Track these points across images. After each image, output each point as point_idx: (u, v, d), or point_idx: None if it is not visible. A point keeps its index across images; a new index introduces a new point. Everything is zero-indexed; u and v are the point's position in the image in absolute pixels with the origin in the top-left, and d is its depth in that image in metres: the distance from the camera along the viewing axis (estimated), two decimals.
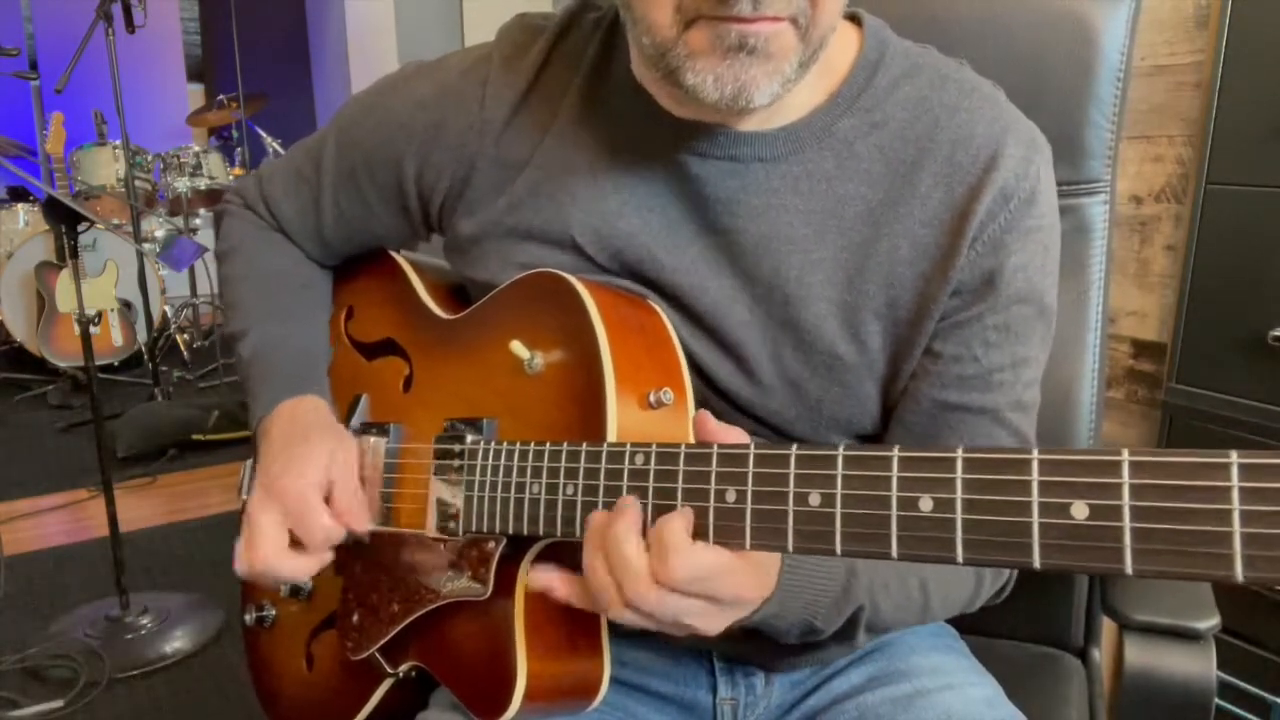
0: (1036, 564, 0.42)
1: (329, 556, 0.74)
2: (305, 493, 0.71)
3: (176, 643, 1.97)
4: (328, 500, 0.73)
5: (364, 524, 0.74)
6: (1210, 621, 0.75)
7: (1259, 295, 1.44)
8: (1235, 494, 0.37)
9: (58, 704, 1.76)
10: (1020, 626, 0.96)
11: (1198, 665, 0.74)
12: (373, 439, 0.79)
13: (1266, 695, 1.47)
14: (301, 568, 0.72)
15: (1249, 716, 1.49)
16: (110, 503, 1.96)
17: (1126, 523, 0.39)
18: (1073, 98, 0.88)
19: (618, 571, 0.55)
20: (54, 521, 2.67)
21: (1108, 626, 0.94)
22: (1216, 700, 0.74)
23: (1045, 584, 0.77)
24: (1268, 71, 1.39)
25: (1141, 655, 0.75)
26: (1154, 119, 1.63)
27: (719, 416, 0.71)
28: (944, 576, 0.70)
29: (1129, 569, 0.39)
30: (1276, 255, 1.42)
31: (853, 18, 0.72)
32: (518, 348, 0.68)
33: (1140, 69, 1.61)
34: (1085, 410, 0.94)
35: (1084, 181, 0.90)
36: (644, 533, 0.56)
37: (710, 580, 0.54)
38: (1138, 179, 1.67)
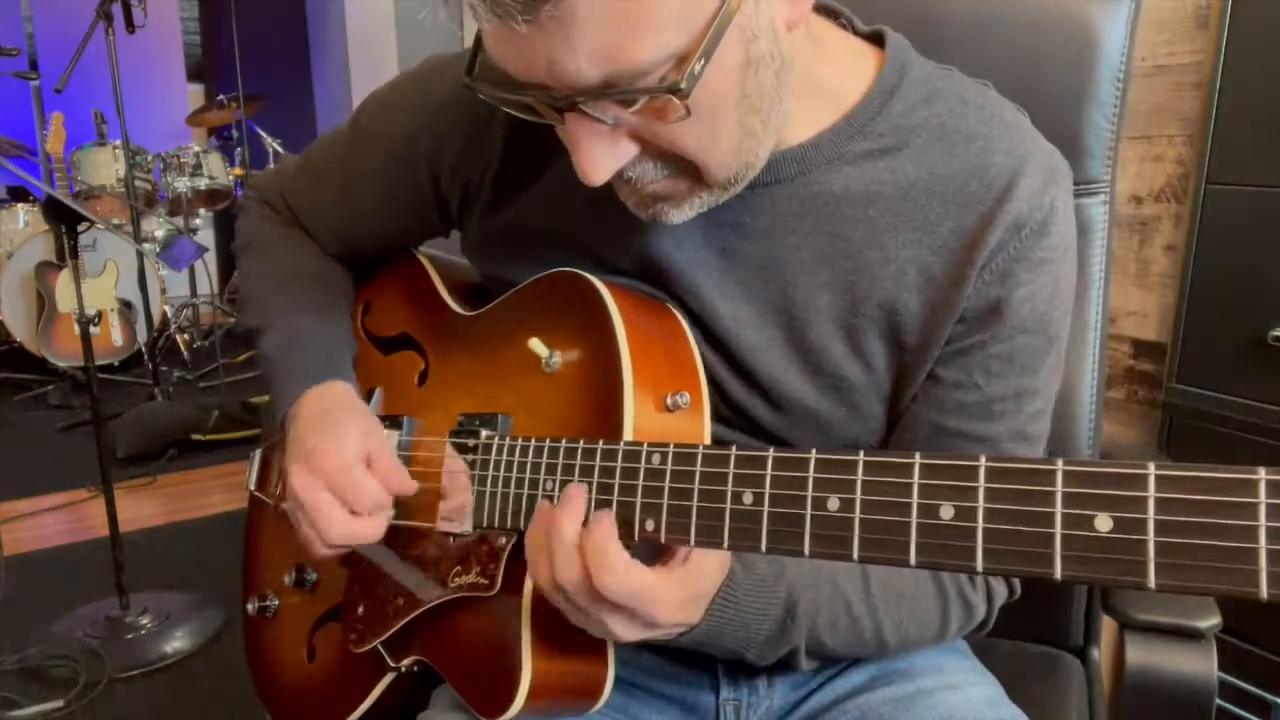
0: (1058, 575, 0.41)
1: (390, 512, 0.73)
2: (346, 460, 0.71)
3: (176, 643, 1.97)
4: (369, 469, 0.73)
5: (409, 486, 0.73)
6: (1211, 621, 0.75)
7: (1259, 295, 1.44)
8: (1262, 510, 0.37)
9: (58, 704, 1.76)
10: (1020, 626, 0.96)
11: (1198, 665, 0.74)
12: (385, 431, 0.79)
13: (1266, 695, 1.47)
14: (372, 528, 0.72)
15: (1249, 716, 1.49)
16: (110, 503, 1.96)
17: (1151, 536, 0.39)
18: (1073, 98, 0.88)
19: (555, 552, 0.58)
20: (54, 521, 2.67)
21: (1108, 626, 0.94)
22: (1217, 700, 0.74)
23: (1045, 583, 0.77)
24: (1268, 71, 1.39)
25: (1142, 655, 0.75)
26: (1154, 119, 1.63)
27: (733, 430, 0.73)
28: (903, 619, 0.70)
29: (1151, 583, 0.39)
30: (1276, 255, 1.41)
31: (877, 38, 0.71)
32: (536, 345, 0.68)
33: (1140, 69, 1.61)
34: (1085, 410, 0.94)
35: (1084, 182, 0.90)
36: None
37: (637, 599, 0.57)
38: (1138, 179, 1.67)
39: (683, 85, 0.52)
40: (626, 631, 0.59)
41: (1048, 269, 0.66)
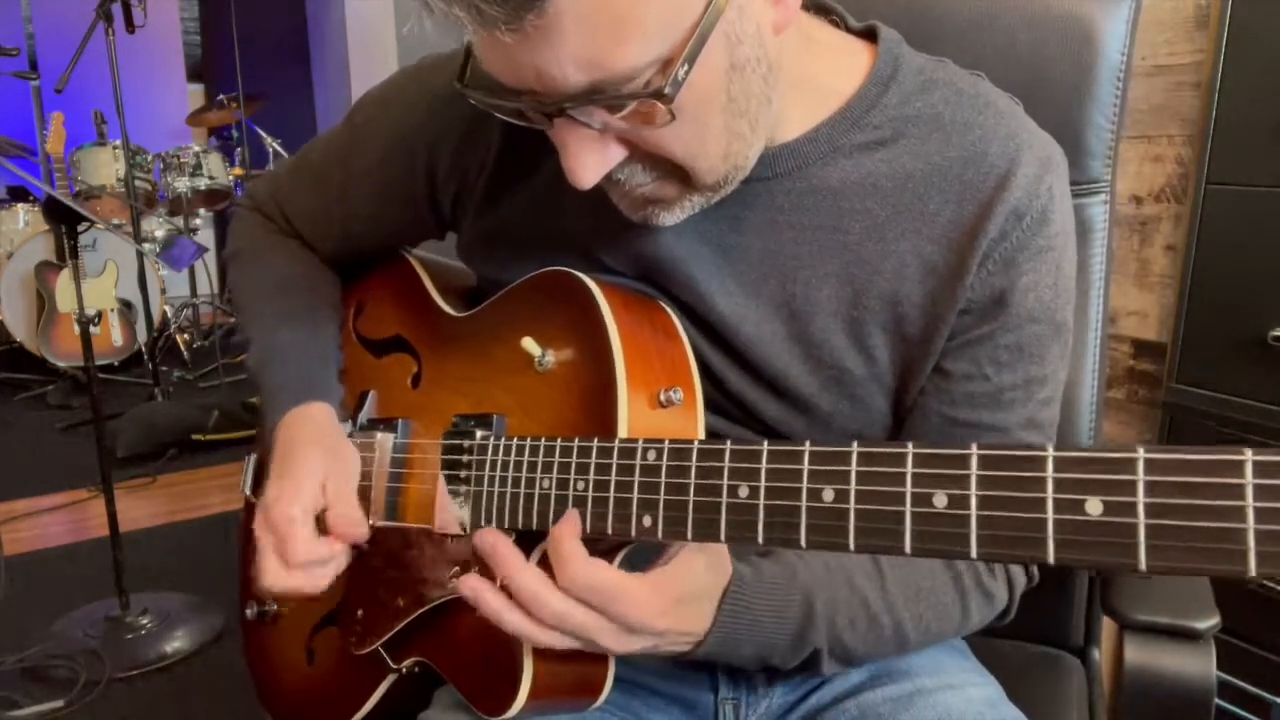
0: (1050, 560, 0.42)
1: (322, 572, 0.73)
2: (290, 512, 0.72)
3: (176, 643, 1.97)
4: (323, 518, 0.74)
5: (358, 534, 0.74)
6: (1210, 621, 0.75)
7: (1259, 295, 1.44)
8: (1249, 490, 0.37)
9: (58, 704, 1.76)
10: (1020, 626, 0.95)
11: (1198, 665, 0.74)
12: (380, 435, 0.79)
13: (1266, 695, 1.47)
14: (303, 583, 0.73)
15: (1249, 716, 1.49)
16: (110, 503, 1.96)
17: (1141, 519, 0.40)
18: (1073, 98, 0.88)
19: (526, 604, 0.59)
20: (54, 521, 2.67)
21: (1107, 626, 0.94)
22: (1216, 700, 0.74)
23: (1045, 583, 0.77)
24: (1268, 71, 1.39)
25: (1141, 655, 0.75)
26: (1154, 119, 1.63)
27: (734, 424, 0.73)
28: (923, 612, 0.69)
29: (1143, 565, 0.39)
30: (1276, 255, 1.42)
31: (869, 33, 0.71)
32: (529, 344, 0.68)
33: (1140, 69, 1.61)
34: (1085, 410, 0.94)
35: (1084, 182, 0.90)
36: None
37: (605, 598, 0.57)
38: (1138, 179, 1.67)
39: (666, 90, 0.53)
40: (614, 640, 0.59)
41: (1049, 257, 0.66)
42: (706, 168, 0.60)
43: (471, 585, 0.62)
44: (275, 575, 0.72)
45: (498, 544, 0.61)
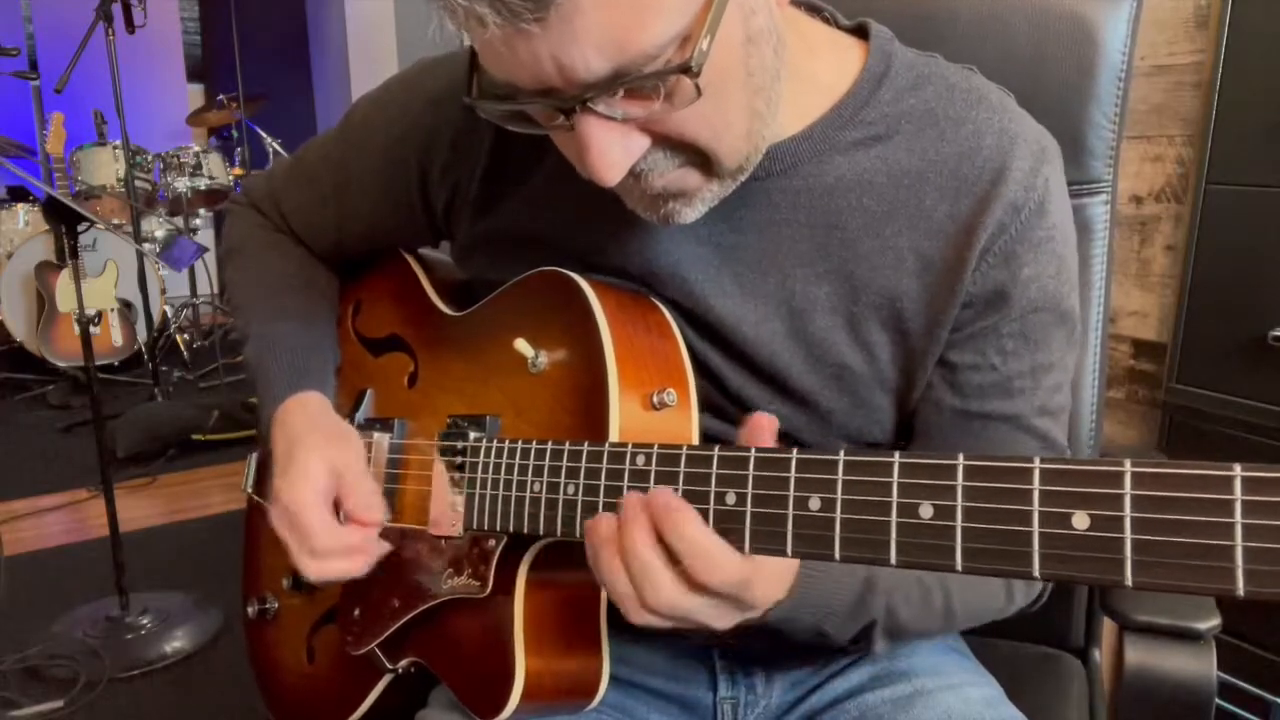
0: (1036, 574, 0.41)
1: (354, 557, 0.73)
2: (304, 509, 0.72)
3: (176, 643, 1.97)
4: (339, 503, 0.74)
5: (377, 518, 0.74)
6: (1211, 622, 0.75)
7: (1259, 295, 1.44)
8: (1238, 507, 0.37)
9: (58, 704, 1.76)
10: (1021, 626, 0.96)
11: (1198, 665, 0.74)
12: (376, 434, 0.79)
13: (1266, 695, 1.47)
14: (337, 570, 0.72)
15: (1249, 716, 1.49)
16: (110, 503, 1.96)
17: (1128, 534, 0.39)
18: (1074, 97, 0.88)
19: (639, 579, 0.54)
20: (54, 521, 2.67)
21: (1108, 626, 0.94)
22: (1217, 700, 0.74)
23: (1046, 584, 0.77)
24: (1268, 71, 1.39)
25: (1142, 655, 0.75)
26: (1154, 119, 1.63)
27: (732, 422, 0.72)
28: (970, 588, 0.69)
29: (1129, 581, 0.39)
30: (1276, 255, 1.41)
31: (861, 30, 0.71)
32: (522, 346, 0.68)
33: (1140, 69, 1.61)
34: (1086, 410, 0.94)
35: (1085, 181, 0.90)
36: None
37: (739, 587, 0.54)
38: (1138, 179, 1.67)
39: (693, 64, 0.51)
40: (724, 620, 0.57)
41: (1049, 247, 0.66)
42: (729, 149, 0.60)
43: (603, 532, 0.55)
44: (309, 568, 0.72)
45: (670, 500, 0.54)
